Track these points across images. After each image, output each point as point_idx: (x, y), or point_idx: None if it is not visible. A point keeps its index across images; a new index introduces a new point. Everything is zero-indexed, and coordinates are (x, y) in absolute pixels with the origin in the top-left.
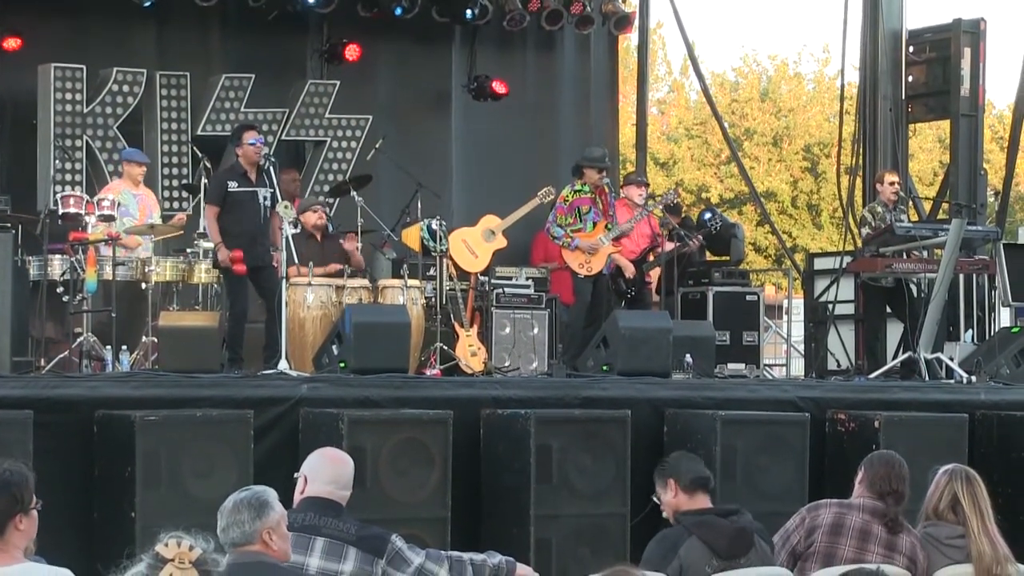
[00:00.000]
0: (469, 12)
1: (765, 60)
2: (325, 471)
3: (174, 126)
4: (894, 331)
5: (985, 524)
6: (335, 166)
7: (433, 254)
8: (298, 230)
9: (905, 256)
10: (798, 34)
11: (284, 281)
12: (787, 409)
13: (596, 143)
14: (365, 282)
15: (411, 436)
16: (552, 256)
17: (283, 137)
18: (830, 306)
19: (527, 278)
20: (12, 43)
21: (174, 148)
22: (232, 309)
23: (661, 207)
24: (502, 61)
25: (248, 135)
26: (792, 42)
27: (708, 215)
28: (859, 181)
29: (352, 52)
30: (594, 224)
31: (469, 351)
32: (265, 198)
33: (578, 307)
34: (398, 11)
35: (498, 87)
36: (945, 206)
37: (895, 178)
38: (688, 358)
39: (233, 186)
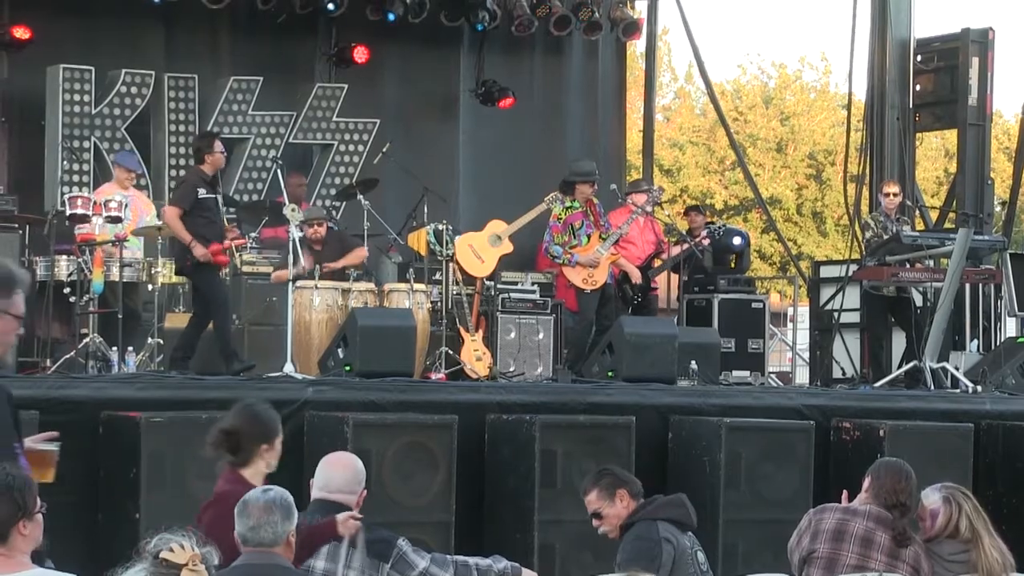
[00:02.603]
0: (480, 25)
1: (769, 67)
2: (325, 475)
3: (182, 128)
4: (900, 340)
5: (993, 537)
6: (342, 169)
7: (439, 258)
8: (303, 233)
9: (911, 265)
10: (804, 43)
11: (291, 284)
12: (792, 417)
13: (603, 149)
14: (371, 285)
15: (416, 440)
16: (557, 264)
17: (290, 140)
18: (835, 314)
19: (533, 283)
20: (22, 33)
21: (182, 150)
22: (223, 306)
23: (651, 206)
24: (510, 66)
25: (217, 143)
26: (794, 51)
27: (737, 238)
28: (865, 190)
29: (360, 54)
30: (588, 237)
31: (474, 356)
32: (220, 202)
33: (582, 321)
34: (391, 16)
35: (505, 102)
36: (952, 215)
37: (893, 189)
38: (693, 365)
39: (203, 192)
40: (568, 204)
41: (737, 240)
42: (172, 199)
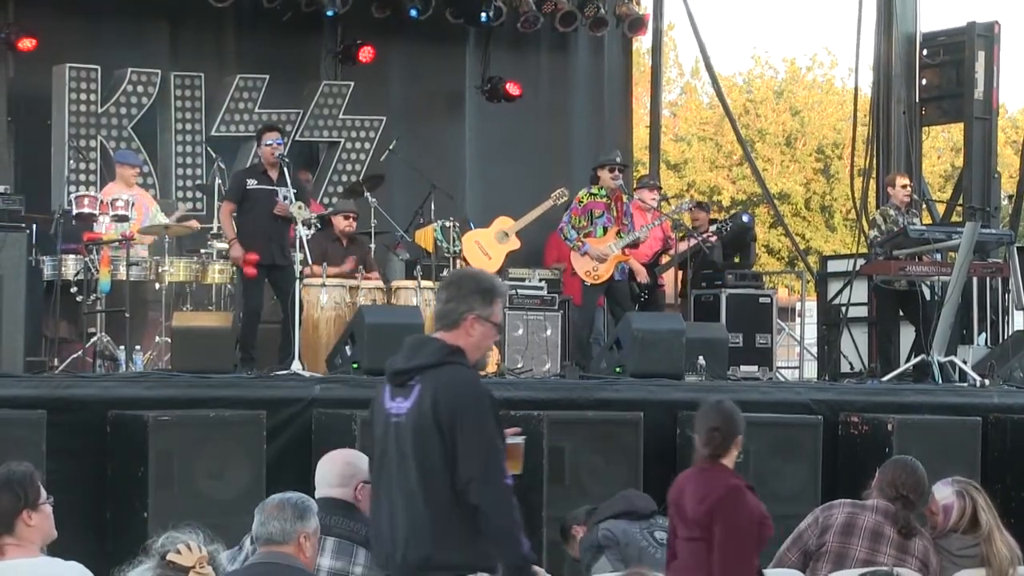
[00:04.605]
0: (484, 15)
1: (777, 62)
2: (321, 473)
3: (188, 127)
4: (907, 334)
5: (1002, 531)
6: (349, 167)
7: (446, 255)
8: (311, 231)
9: (918, 259)
10: (810, 37)
11: (298, 281)
12: (800, 412)
13: (609, 145)
14: (379, 283)
15: None
16: (565, 258)
17: (297, 138)
18: (843, 309)
19: (540, 280)
20: (27, 43)
21: (188, 149)
22: (246, 307)
23: (680, 212)
24: (516, 63)
25: (267, 136)
26: (802, 46)
27: (744, 216)
28: (872, 183)
29: (366, 54)
30: (605, 230)
31: None
32: (285, 198)
33: (584, 313)
34: (413, 12)
35: (512, 89)
36: (959, 209)
37: (907, 181)
38: (701, 360)
39: (252, 184)
40: (594, 191)
41: (745, 217)
42: (224, 193)
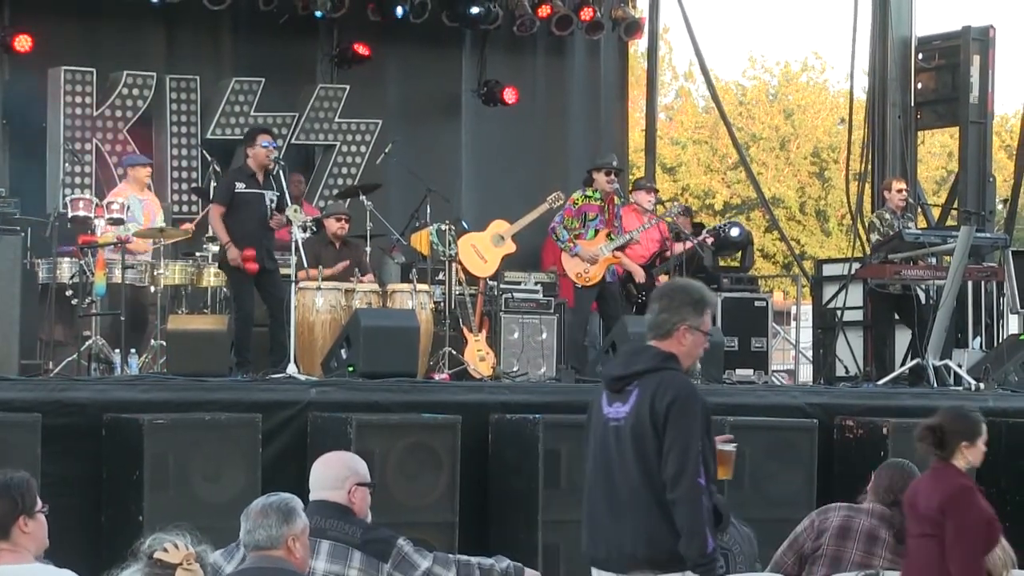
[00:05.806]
0: (475, 9)
1: (772, 65)
2: (314, 476)
3: (184, 129)
4: (903, 338)
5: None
6: (344, 170)
7: (442, 259)
8: (307, 234)
9: (914, 263)
10: (805, 42)
11: (293, 284)
12: (795, 415)
13: (606, 148)
14: (375, 286)
15: (419, 440)
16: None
17: (293, 141)
18: (838, 312)
19: (536, 283)
20: (24, 42)
21: (183, 152)
22: (239, 312)
23: (672, 215)
24: (512, 66)
25: (261, 138)
26: (796, 50)
27: (735, 229)
28: (867, 188)
29: (363, 48)
30: (596, 232)
31: (478, 356)
32: (272, 201)
33: (577, 316)
34: (399, 12)
35: (508, 95)
36: (954, 213)
37: (903, 185)
38: (697, 364)
39: (241, 187)
40: (589, 193)
41: (735, 231)
42: (212, 197)
